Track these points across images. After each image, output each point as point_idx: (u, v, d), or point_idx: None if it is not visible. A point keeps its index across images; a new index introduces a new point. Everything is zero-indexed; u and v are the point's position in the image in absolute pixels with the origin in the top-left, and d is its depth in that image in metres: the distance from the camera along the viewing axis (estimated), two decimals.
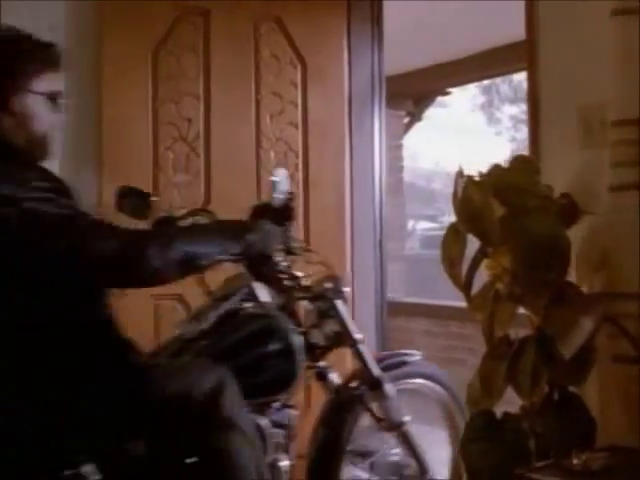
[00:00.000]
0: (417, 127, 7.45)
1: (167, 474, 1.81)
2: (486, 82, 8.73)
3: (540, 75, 2.53)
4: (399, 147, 6.74)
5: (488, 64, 5.62)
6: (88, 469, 1.71)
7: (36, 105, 1.66)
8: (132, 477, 1.79)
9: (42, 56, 1.68)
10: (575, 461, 1.78)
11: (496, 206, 1.98)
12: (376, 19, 3.44)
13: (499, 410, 2.05)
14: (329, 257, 2.36)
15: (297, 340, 2.13)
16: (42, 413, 1.67)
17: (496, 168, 2.05)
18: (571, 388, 2.01)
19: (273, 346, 2.10)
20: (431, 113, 8.30)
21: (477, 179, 2.02)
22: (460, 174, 2.10)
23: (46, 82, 1.67)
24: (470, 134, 13.80)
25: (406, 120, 6.96)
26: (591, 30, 2.28)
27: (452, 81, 6.44)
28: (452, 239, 2.08)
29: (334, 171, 3.19)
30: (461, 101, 10.76)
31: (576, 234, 2.08)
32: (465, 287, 2.03)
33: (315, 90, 3.20)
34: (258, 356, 2.09)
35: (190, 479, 1.82)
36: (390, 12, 3.78)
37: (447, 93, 7.07)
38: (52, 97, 1.69)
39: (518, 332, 2.07)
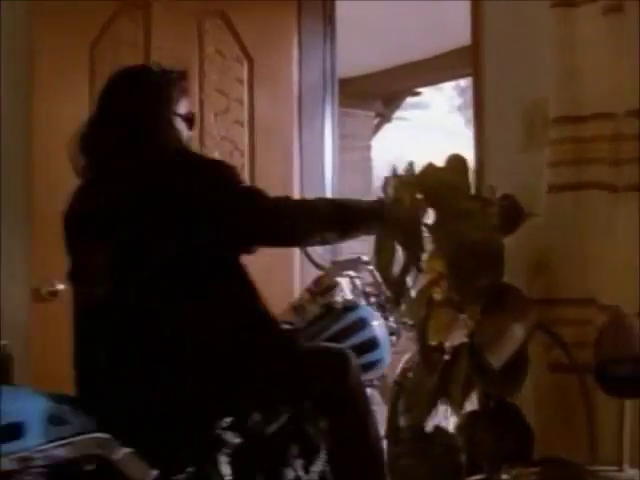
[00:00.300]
0: (399, 128, 7.38)
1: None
2: (463, 83, 8.66)
3: (485, 75, 2.45)
4: (368, 148, 6.65)
5: (454, 64, 5.55)
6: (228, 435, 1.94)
7: (179, 124, 1.99)
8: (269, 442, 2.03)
9: (180, 85, 2.04)
10: (505, 476, 1.70)
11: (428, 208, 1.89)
12: (328, 18, 3.35)
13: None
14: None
15: (382, 331, 2.44)
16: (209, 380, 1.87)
17: (429, 167, 1.95)
18: (509, 399, 1.93)
19: (364, 335, 2.39)
20: (410, 114, 8.24)
21: (407, 179, 1.92)
22: (393, 174, 2.01)
23: (183, 106, 2.01)
24: (449, 135, 13.73)
25: (376, 121, 6.88)
26: (534, 26, 2.19)
27: (420, 81, 6.36)
28: (382, 243, 1.99)
29: (282, 171, 3.10)
30: (440, 102, 10.68)
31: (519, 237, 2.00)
32: (395, 293, 1.94)
33: (262, 88, 3.11)
34: (353, 345, 2.29)
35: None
36: (353, 11, 3.70)
37: (417, 93, 6.99)
38: (187, 118, 2.02)
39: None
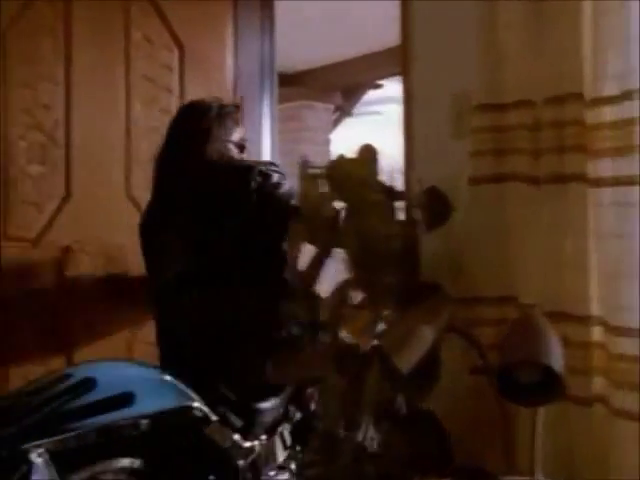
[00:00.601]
0: (361, 122, 7.25)
1: None
2: None
3: (415, 67, 2.34)
4: (327, 142, 6.52)
5: None
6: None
7: (232, 149, 2.29)
8: None
9: (233, 116, 2.35)
10: None
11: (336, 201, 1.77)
12: (267, 6, 3.21)
13: None
14: None
15: None
16: None
17: (338, 159, 1.83)
18: (423, 404, 1.81)
19: None
20: (372, 108, 8.11)
21: (314, 172, 1.81)
22: (304, 166, 1.89)
23: (236, 134, 2.31)
24: None
25: (335, 114, 6.76)
26: (464, 16, 2.08)
27: (380, 74, 6.23)
28: (293, 238, 1.87)
29: None
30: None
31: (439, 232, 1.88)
32: (306, 288, 1.81)
33: (194, 76, 2.95)
34: None
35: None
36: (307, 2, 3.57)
37: (379, 86, 6.86)
38: (239, 145, 2.29)
39: None
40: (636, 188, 1.60)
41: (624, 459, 1.62)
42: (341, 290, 1.85)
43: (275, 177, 2.22)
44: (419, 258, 1.77)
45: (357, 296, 1.86)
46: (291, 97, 5.97)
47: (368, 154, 1.81)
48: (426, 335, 1.61)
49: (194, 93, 2.97)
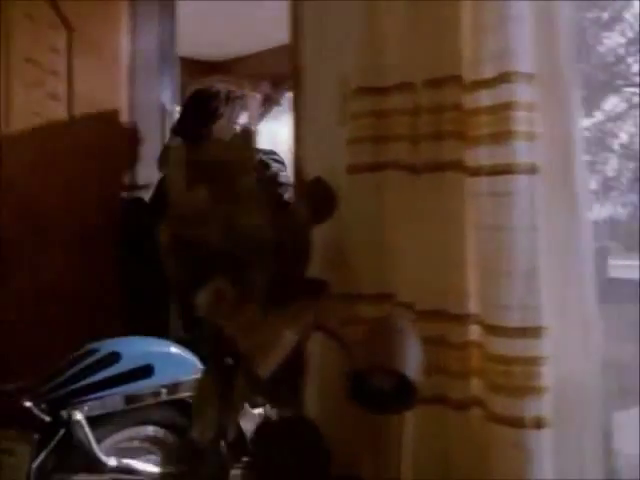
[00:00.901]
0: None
1: None
2: None
3: (305, 50, 2.20)
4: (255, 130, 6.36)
5: None
6: None
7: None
8: None
9: (241, 102, 2.70)
10: None
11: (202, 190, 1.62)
12: None
13: None
14: None
15: None
16: None
17: (212, 143, 1.69)
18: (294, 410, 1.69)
19: None
20: None
21: (181, 154, 1.65)
22: (175, 150, 1.74)
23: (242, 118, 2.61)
24: None
25: (264, 103, 6.59)
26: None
27: None
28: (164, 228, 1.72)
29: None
30: None
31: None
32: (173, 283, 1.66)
33: (84, 59, 2.78)
34: None
35: None
36: None
37: None
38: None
39: None
40: (514, 177, 1.49)
41: (502, 466, 1.51)
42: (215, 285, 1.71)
43: (275, 167, 2.28)
44: (307, 252, 1.64)
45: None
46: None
47: (243, 139, 1.68)
48: (289, 338, 1.48)
49: (84, 78, 2.81)
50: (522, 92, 1.49)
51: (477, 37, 1.55)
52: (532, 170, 1.49)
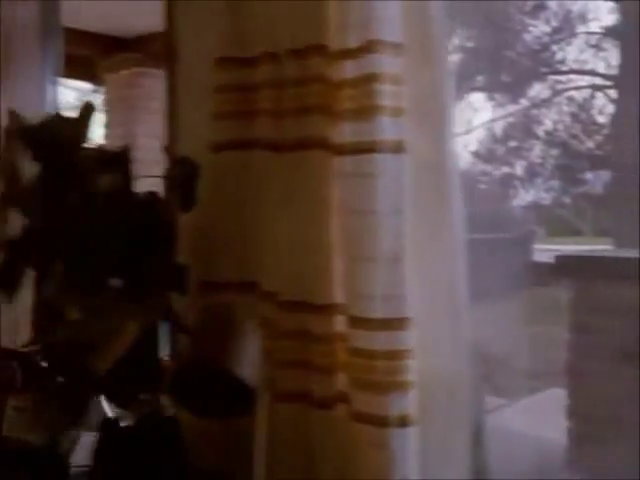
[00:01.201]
0: None
1: None
2: None
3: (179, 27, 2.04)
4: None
5: None
6: None
7: None
8: None
9: None
10: None
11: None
12: None
13: None
14: None
15: None
16: None
17: (48, 117, 1.53)
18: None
19: None
20: None
21: (13, 130, 1.49)
22: (12, 121, 1.57)
23: None
24: None
25: None
26: None
27: None
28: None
29: None
30: None
31: None
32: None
33: None
34: None
35: None
36: None
37: None
38: None
39: None
40: (378, 156, 1.37)
41: (366, 466, 1.41)
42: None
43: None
44: (171, 240, 1.50)
45: None
46: (128, 64, 5.59)
47: (83, 113, 1.52)
48: (131, 329, 1.34)
49: None
50: (388, 63, 1.38)
51: (343, 2, 1.43)
52: (398, 149, 1.38)
